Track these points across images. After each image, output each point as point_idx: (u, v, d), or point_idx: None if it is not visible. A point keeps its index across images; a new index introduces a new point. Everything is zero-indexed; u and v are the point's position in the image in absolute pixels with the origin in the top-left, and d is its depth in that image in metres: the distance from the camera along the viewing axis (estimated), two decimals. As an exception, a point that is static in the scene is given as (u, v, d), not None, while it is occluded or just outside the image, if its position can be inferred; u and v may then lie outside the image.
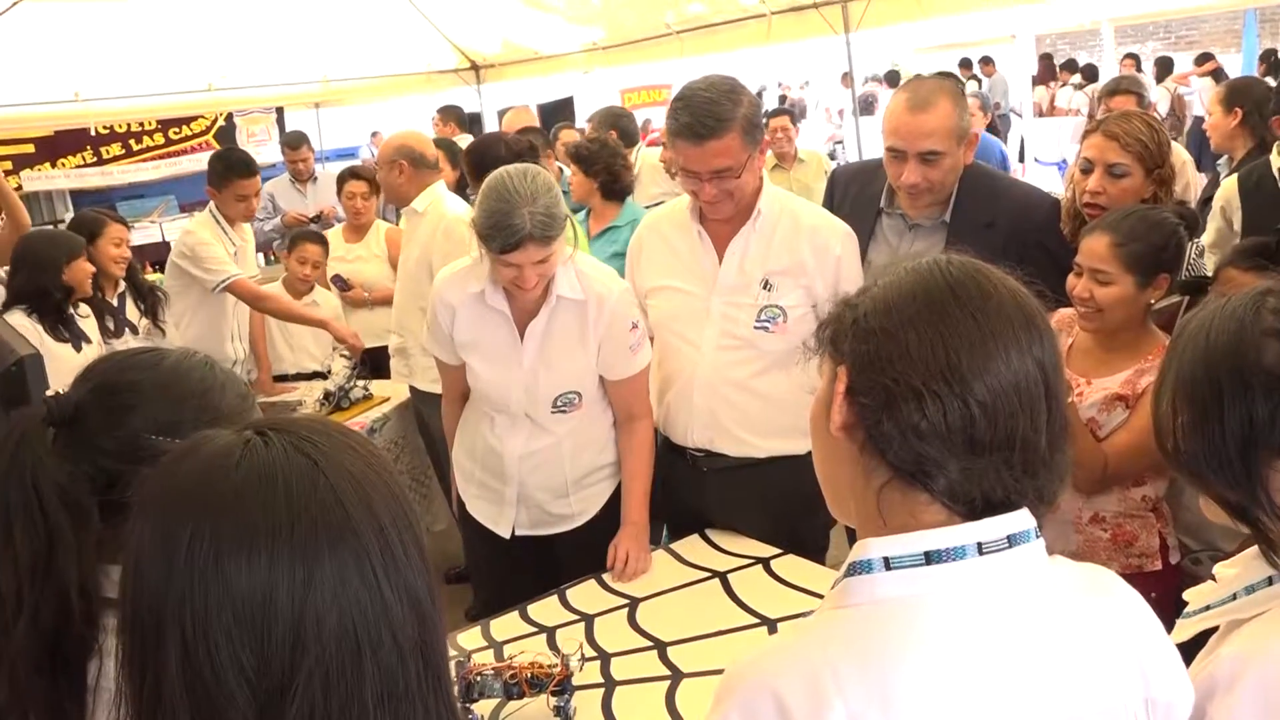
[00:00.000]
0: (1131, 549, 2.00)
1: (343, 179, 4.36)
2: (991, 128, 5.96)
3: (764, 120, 5.31)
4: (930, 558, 0.83)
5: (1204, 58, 10.41)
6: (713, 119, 2.04)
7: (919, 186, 2.24)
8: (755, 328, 2.19)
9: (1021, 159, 8.90)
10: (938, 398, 0.82)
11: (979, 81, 11.80)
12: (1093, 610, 0.87)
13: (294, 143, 5.68)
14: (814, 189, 5.02)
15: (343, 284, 4.21)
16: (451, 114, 6.02)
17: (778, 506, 2.25)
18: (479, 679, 1.64)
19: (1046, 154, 8.59)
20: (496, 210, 2.00)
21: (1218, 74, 9.51)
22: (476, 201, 2.08)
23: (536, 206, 1.99)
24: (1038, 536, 0.86)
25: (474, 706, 1.66)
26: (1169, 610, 1.24)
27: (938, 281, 0.87)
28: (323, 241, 4.17)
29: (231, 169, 3.74)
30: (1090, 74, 10.66)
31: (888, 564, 0.83)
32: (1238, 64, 10.41)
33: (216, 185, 3.74)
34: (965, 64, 12.38)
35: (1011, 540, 0.84)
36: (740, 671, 0.84)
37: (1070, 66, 11.22)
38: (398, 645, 0.70)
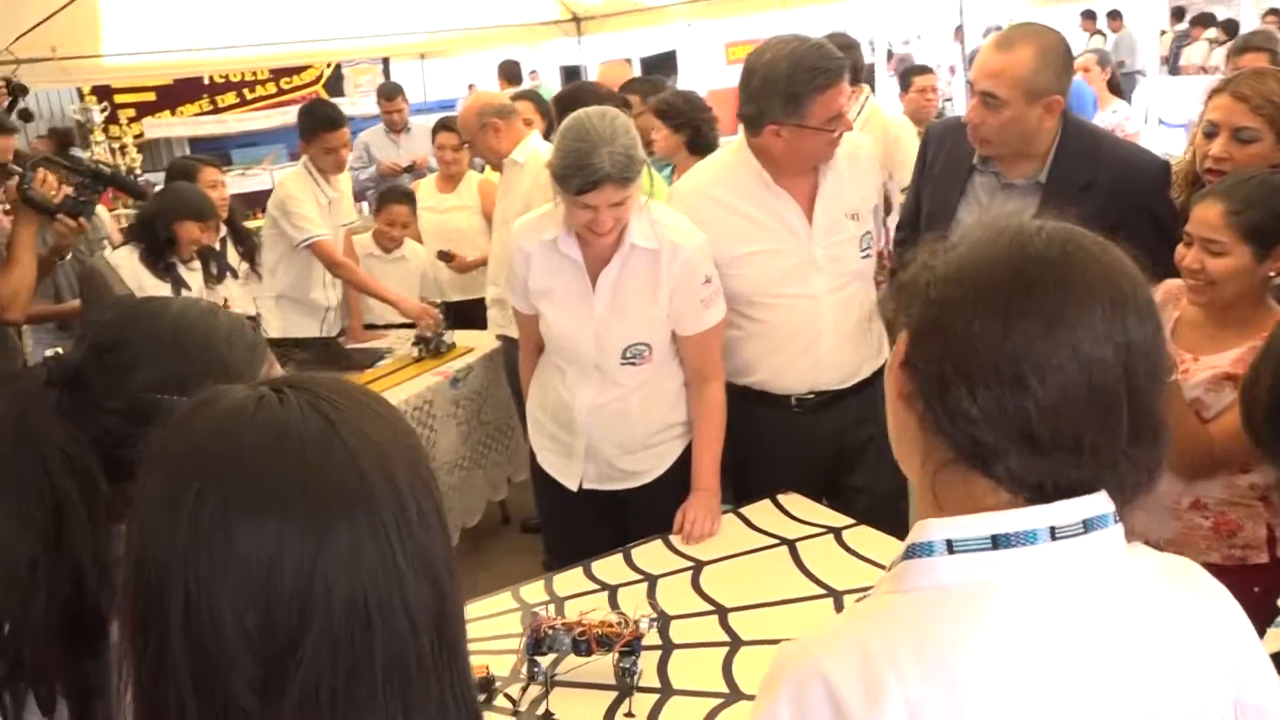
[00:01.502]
0: (1234, 539, 1.88)
1: (435, 131, 4.38)
2: (1114, 87, 5.53)
3: (909, 79, 4.97)
4: (997, 542, 0.77)
5: None
6: (840, 60, 2.13)
7: (974, 123, 2.13)
8: (862, 257, 2.33)
9: (1146, 120, 8.39)
10: (990, 389, 0.76)
11: (1104, 36, 11.18)
12: (1177, 604, 0.81)
13: (389, 93, 5.76)
14: None
15: (447, 257, 4.23)
16: (503, 70, 6.42)
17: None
18: (549, 633, 1.66)
19: (1173, 115, 8.09)
20: (575, 150, 1.99)
21: None
22: (554, 144, 2.07)
23: (615, 146, 1.98)
24: (1116, 521, 0.79)
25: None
26: (1274, 606, 1.15)
27: (1014, 256, 0.80)
28: (408, 199, 4.17)
29: (318, 123, 3.77)
30: (1231, 29, 9.94)
31: (950, 547, 0.78)
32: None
33: (306, 139, 3.79)
34: (1089, 16, 11.73)
35: (1088, 525, 0.77)
36: (790, 657, 0.79)
37: (1203, 21, 10.48)
38: (410, 618, 0.68)
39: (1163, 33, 10.98)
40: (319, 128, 3.75)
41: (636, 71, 7.77)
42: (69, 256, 3.33)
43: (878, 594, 0.82)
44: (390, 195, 4.23)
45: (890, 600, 0.80)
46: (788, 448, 2.35)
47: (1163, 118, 8.42)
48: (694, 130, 3.67)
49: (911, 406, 0.82)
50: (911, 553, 0.80)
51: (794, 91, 2.10)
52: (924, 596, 0.78)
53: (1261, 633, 1.09)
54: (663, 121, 3.73)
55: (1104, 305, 0.77)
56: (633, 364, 2.21)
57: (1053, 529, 0.77)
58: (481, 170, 4.31)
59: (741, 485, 2.40)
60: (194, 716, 0.64)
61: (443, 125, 4.28)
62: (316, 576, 0.65)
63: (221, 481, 0.66)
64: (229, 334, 1.05)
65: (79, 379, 0.99)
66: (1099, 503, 0.78)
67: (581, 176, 1.98)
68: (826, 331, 2.30)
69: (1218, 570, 1.92)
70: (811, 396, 2.34)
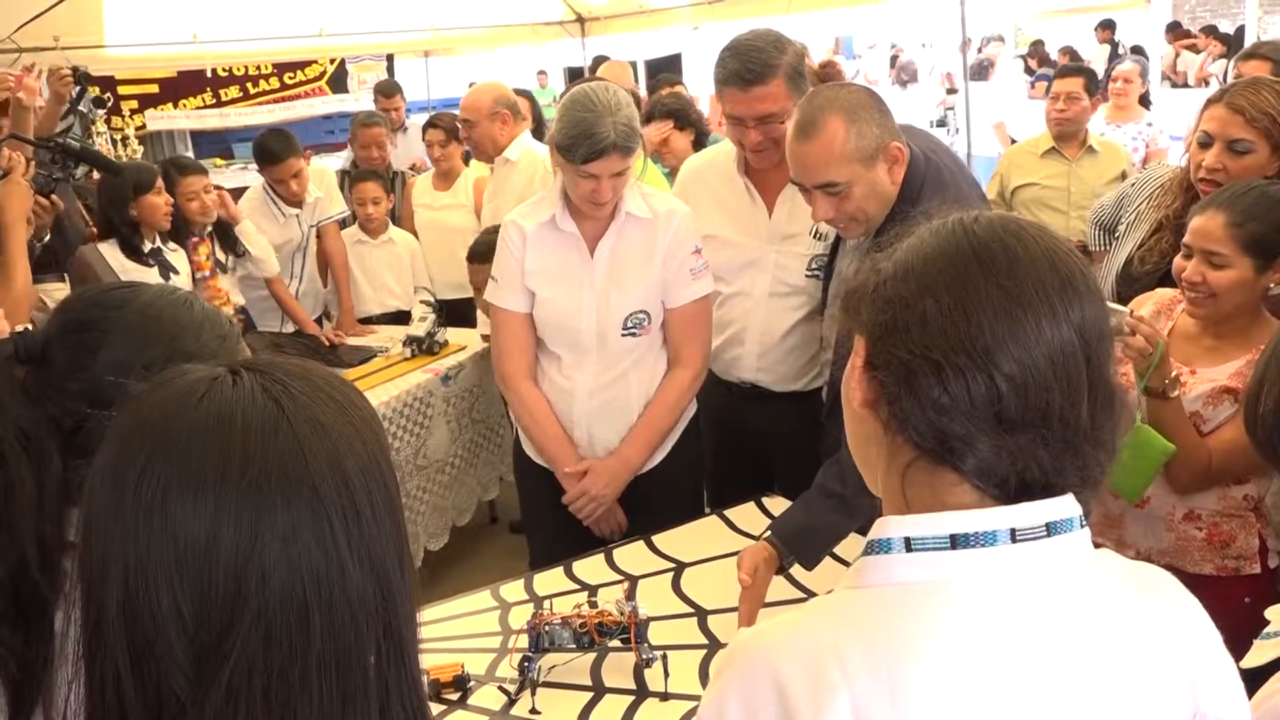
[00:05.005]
0: (1228, 550, 1.87)
1: (425, 129, 4.36)
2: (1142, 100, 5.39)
3: (1049, 83, 4.66)
4: (956, 541, 0.76)
5: None
6: (759, 65, 2.14)
7: (838, 220, 1.93)
8: (807, 276, 2.32)
9: (1148, 132, 8.35)
10: (960, 372, 0.75)
11: (1115, 46, 11.13)
12: (1140, 612, 0.80)
13: (387, 92, 5.74)
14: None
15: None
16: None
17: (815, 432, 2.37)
18: (548, 629, 1.64)
19: (1175, 128, 8.04)
20: (581, 120, 2.05)
21: None
22: (556, 117, 2.12)
23: (619, 117, 2.06)
24: (1083, 526, 0.79)
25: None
26: (1263, 618, 1.12)
27: (960, 243, 0.80)
28: (373, 176, 4.16)
29: (259, 156, 3.82)
30: (1227, 41, 9.87)
31: (908, 545, 0.77)
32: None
33: (258, 168, 3.85)
34: (1107, 25, 11.66)
35: (1051, 529, 0.77)
36: (741, 647, 0.79)
37: (1207, 32, 10.41)
38: (352, 612, 0.66)
39: (1163, 55, 10.92)
40: (260, 160, 3.81)
41: (640, 74, 7.77)
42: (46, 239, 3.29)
43: (837, 589, 0.82)
44: (355, 176, 4.22)
45: (845, 596, 0.79)
46: (722, 432, 2.44)
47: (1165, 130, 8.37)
48: (697, 129, 3.73)
49: (875, 411, 0.82)
50: (870, 549, 0.80)
51: (718, 73, 2.22)
52: (879, 593, 0.77)
53: (1249, 644, 1.06)
54: (670, 121, 3.77)
55: (1054, 288, 0.78)
56: (633, 334, 2.25)
57: (1014, 531, 0.76)
58: (467, 163, 4.29)
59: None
60: (129, 694, 0.64)
61: (430, 123, 4.25)
62: (252, 561, 0.64)
63: (163, 461, 0.65)
64: (200, 323, 1.05)
65: (45, 357, 0.99)
66: (1064, 505, 0.78)
67: (588, 145, 2.04)
68: (754, 331, 2.38)
69: (1210, 581, 1.89)
70: (748, 386, 2.43)
